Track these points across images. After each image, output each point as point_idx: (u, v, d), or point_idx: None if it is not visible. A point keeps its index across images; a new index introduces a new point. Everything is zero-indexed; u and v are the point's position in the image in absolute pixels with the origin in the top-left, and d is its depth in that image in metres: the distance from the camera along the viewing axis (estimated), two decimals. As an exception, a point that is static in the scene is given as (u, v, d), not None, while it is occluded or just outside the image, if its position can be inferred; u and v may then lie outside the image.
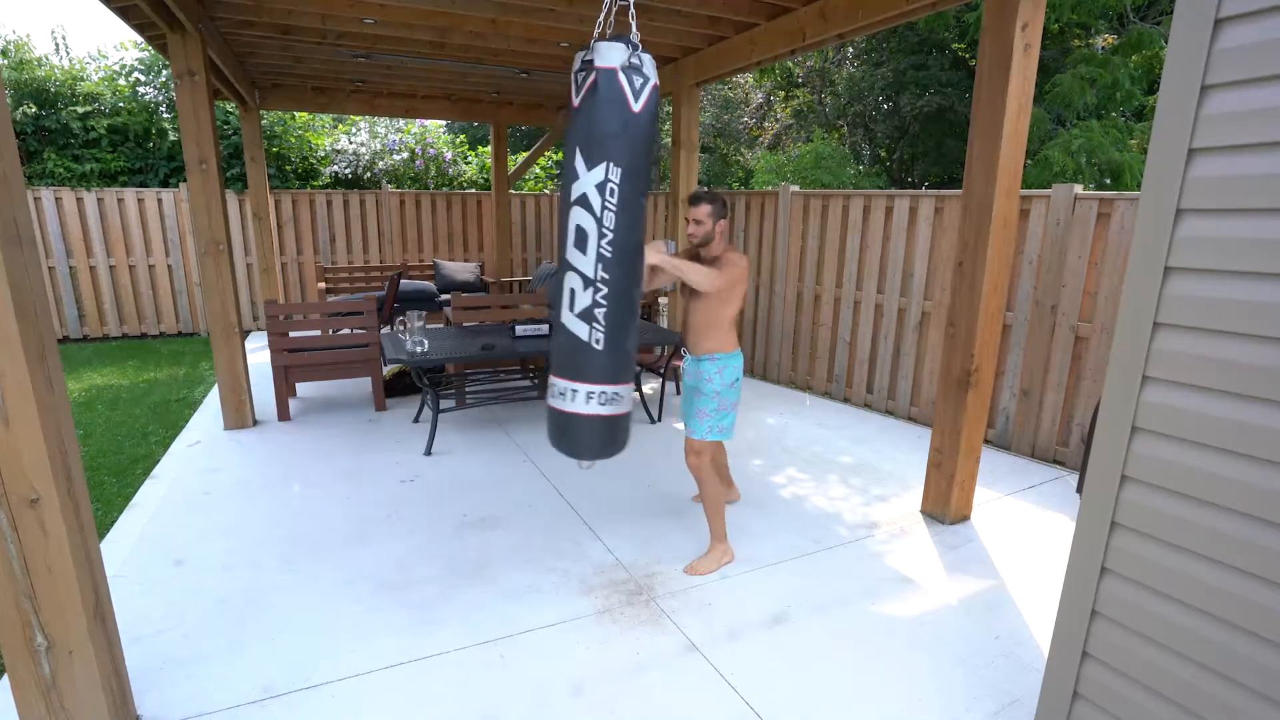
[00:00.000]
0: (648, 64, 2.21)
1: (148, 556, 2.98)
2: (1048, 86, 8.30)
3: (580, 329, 2.31)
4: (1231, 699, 1.50)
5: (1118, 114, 8.88)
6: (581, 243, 2.27)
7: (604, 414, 2.37)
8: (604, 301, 2.29)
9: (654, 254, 2.66)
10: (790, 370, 6.01)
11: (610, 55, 2.16)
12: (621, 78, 2.16)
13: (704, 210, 2.74)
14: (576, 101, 2.22)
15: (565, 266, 2.32)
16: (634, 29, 2.29)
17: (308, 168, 9.31)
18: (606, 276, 2.28)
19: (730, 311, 2.83)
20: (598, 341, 2.32)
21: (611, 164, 2.22)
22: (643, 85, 2.18)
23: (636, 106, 2.18)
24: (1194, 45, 1.46)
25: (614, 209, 2.24)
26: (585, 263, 2.29)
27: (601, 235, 2.25)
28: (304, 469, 3.94)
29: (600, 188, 2.23)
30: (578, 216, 2.26)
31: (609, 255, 2.26)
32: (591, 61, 2.16)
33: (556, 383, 2.37)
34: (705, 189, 2.93)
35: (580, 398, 2.35)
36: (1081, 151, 7.67)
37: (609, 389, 2.35)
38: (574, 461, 2.47)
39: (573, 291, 2.30)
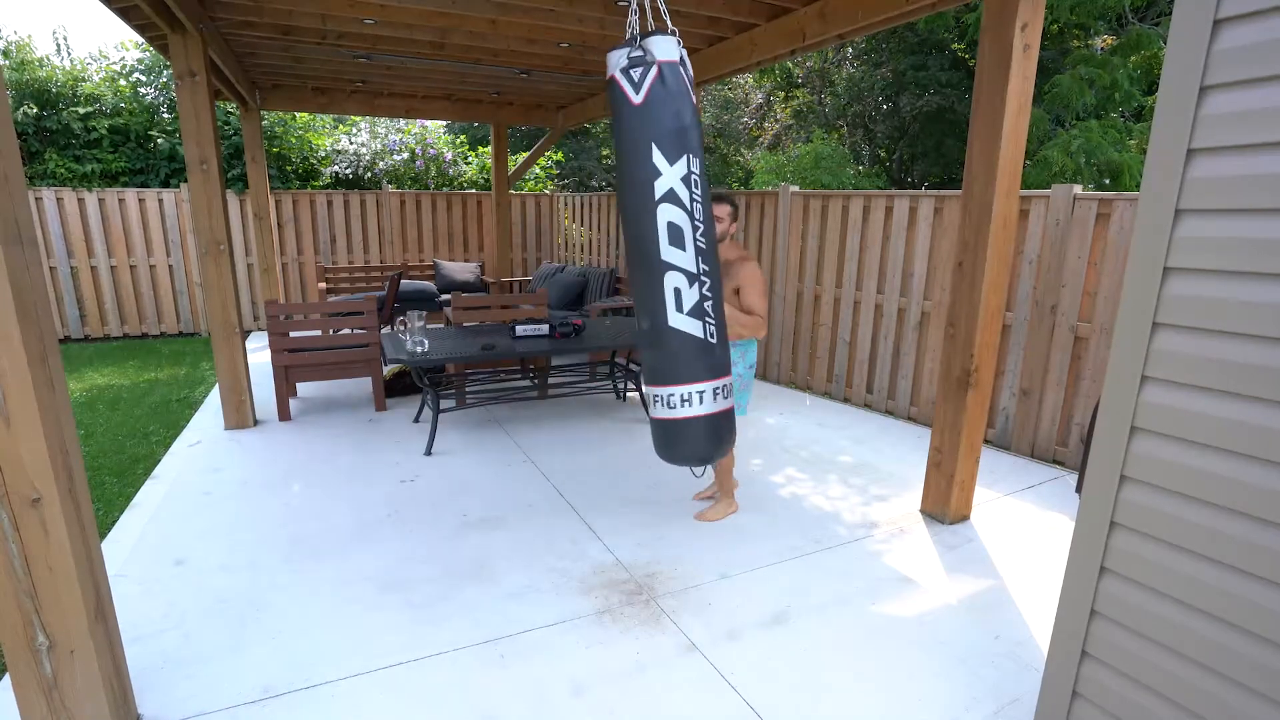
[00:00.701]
0: (685, 55, 2.24)
1: (148, 556, 2.98)
2: (1047, 87, 8.31)
3: (694, 327, 2.27)
4: (1231, 699, 1.50)
5: (1117, 114, 8.88)
6: (678, 239, 2.23)
7: (724, 409, 2.37)
8: (710, 294, 2.27)
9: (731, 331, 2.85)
10: (790, 370, 6.02)
11: (667, 49, 2.14)
12: (682, 70, 2.16)
13: (725, 210, 3.03)
14: (640, 98, 2.16)
15: (663, 267, 2.25)
16: (669, 24, 2.29)
17: (308, 168, 9.31)
18: (707, 268, 2.26)
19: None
20: (713, 336, 2.30)
21: (691, 155, 2.20)
22: (691, 77, 2.22)
23: (694, 97, 2.22)
24: (1193, 46, 1.47)
25: (701, 200, 2.23)
26: (685, 259, 2.25)
27: (695, 228, 2.24)
28: (304, 469, 3.95)
29: (686, 180, 2.21)
30: (668, 213, 2.21)
31: (704, 247, 2.25)
32: (644, 57, 2.12)
33: (669, 391, 2.30)
34: (724, 190, 3.09)
35: (707, 398, 2.32)
36: (1081, 152, 7.68)
37: (726, 381, 2.35)
38: (683, 468, 2.52)
39: (678, 291, 2.25)
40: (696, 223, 2.22)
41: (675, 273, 2.25)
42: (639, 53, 2.14)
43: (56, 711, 1.81)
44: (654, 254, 2.25)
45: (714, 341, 2.30)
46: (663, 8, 2.34)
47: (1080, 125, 8.17)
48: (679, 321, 2.26)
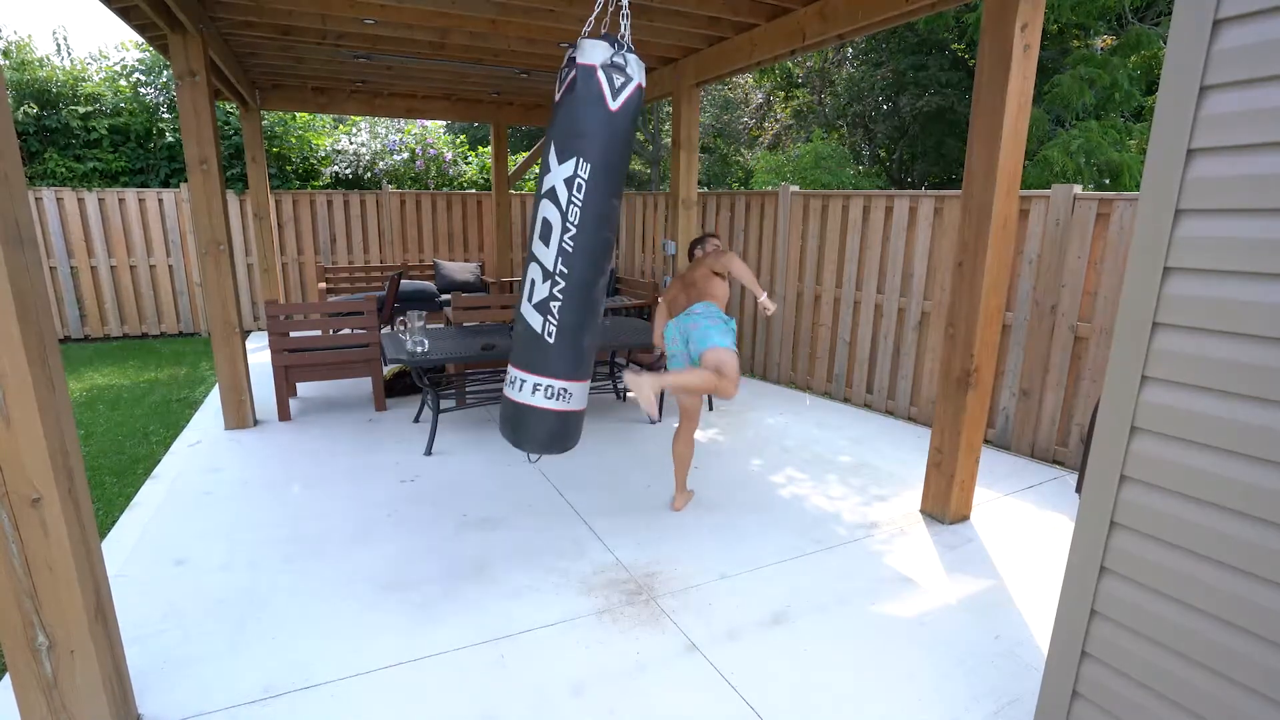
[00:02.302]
0: (633, 64, 2.20)
1: (148, 556, 2.98)
2: (1047, 87, 8.31)
3: (535, 320, 2.33)
4: (1231, 699, 1.50)
5: (1116, 114, 8.88)
6: (546, 235, 2.29)
7: (551, 409, 2.37)
8: (560, 295, 2.29)
9: (746, 274, 3.19)
10: (790, 370, 6.02)
11: (593, 53, 2.17)
12: (600, 75, 2.16)
13: (714, 243, 3.58)
14: (558, 96, 2.23)
15: (529, 257, 2.34)
16: (624, 28, 2.30)
17: (308, 168, 9.31)
18: (566, 270, 2.28)
19: (724, 289, 3.39)
20: (550, 335, 2.33)
21: (582, 159, 2.22)
22: (623, 85, 2.18)
23: (614, 105, 2.17)
24: (1193, 46, 1.47)
25: (579, 204, 2.24)
26: (547, 255, 2.30)
27: (565, 230, 2.26)
28: (304, 469, 3.95)
29: (569, 182, 2.24)
30: (545, 209, 2.28)
31: (570, 250, 2.27)
32: (574, 58, 2.17)
33: (510, 371, 2.41)
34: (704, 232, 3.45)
35: (528, 389, 2.37)
36: (1080, 152, 7.68)
37: (557, 384, 2.35)
38: (521, 452, 2.54)
39: (533, 282, 2.32)
40: (568, 225, 2.25)
41: (535, 265, 2.33)
42: (573, 54, 2.18)
43: (56, 711, 1.81)
44: (528, 243, 2.39)
45: (551, 341, 2.32)
46: (624, 11, 2.34)
47: (1080, 125, 8.17)
48: (525, 310, 2.36)
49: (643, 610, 2.64)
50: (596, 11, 2.38)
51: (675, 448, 3.43)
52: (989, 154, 2.96)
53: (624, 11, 2.35)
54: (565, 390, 2.36)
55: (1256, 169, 1.40)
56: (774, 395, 5.72)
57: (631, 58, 2.20)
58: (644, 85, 2.26)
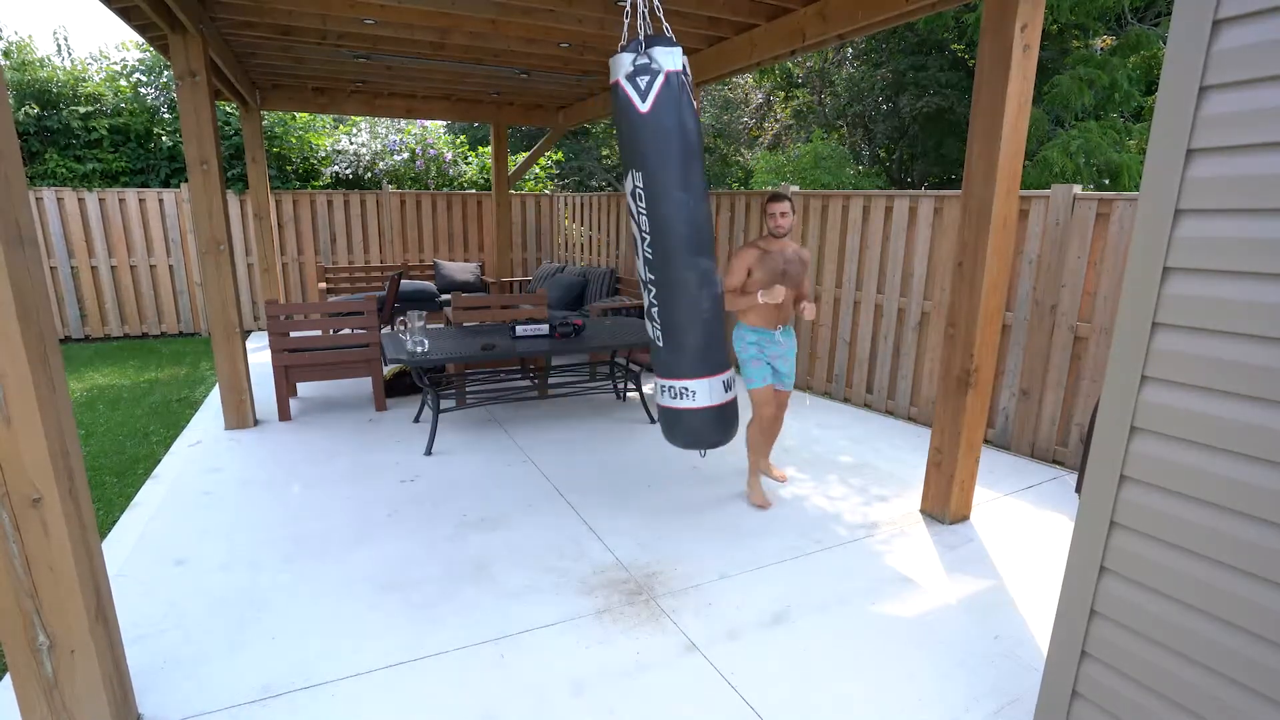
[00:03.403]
0: (659, 55, 2.18)
1: (149, 556, 2.98)
2: (1046, 87, 8.31)
3: (649, 329, 2.50)
4: (1231, 699, 1.50)
5: (1116, 115, 8.88)
6: (636, 249, 2.41)
7: (670, 406, 2.52)
8: (656, 301, 2.40)
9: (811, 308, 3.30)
10: (790, 370, 6.01)
11: (616, 68, 2.22)
12: (625, 86, 2.20)
13: (788, 205, 3.27)
14: (646, 106, 2.26)
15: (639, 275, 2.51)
16: (640, 24, 2.30)
17: (308, 168, 9.31)
18: (653, 278, 2.37)
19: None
20: (658, 339, 2.46)
21: (634, 171, 2.28)
22: (650, 83, 2.18)
23: (645, 107, 2.20)
24: (1193, 46, 1.47)
25: (645, 213, 2.30)
26: (641, 268, 2.44)
27: (642, 239, 2.36)
28: (304, 469, 3.95)
29: (633, 195, 2.32)
30: (632, 227, 2.40)
31: (651, 258, 2.36)
32: (650, 64, 2.20)
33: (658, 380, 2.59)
34: (783, 189, 3.49)
35: (658, 391, 2.57)
36: (1080, 152, 7.68)
37: (670, 383, 2.49)
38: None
39: (645, 296, 2.47)
40: (643, 234, 2.33)
41: (641, 280, 2.48)
42: (644, 60, 2.18)
43: (57, 711, 1.81)
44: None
45: (660, 345, 2.44)
46: (640, 9, 2.35)
47: (1080, 126, 8.18)
48: (646, 322, 2.51)
49: (643, 610, 2.64)
50: (626, 25, 2.36)
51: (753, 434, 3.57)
52: (989, 154, 2.96)
53: (639, 7, 2.34)
54: (686, 389, 2.46)
55: (1256, 169, 1.40)
56: (774, 395, 5.71)
57: (656, 51, 2.18)
58: (679, 69, 2.22)
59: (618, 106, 2.23)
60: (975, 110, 3.00)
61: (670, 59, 2.19)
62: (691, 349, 2.40)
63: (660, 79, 2.18)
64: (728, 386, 2.52)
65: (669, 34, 2.28)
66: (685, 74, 2.24)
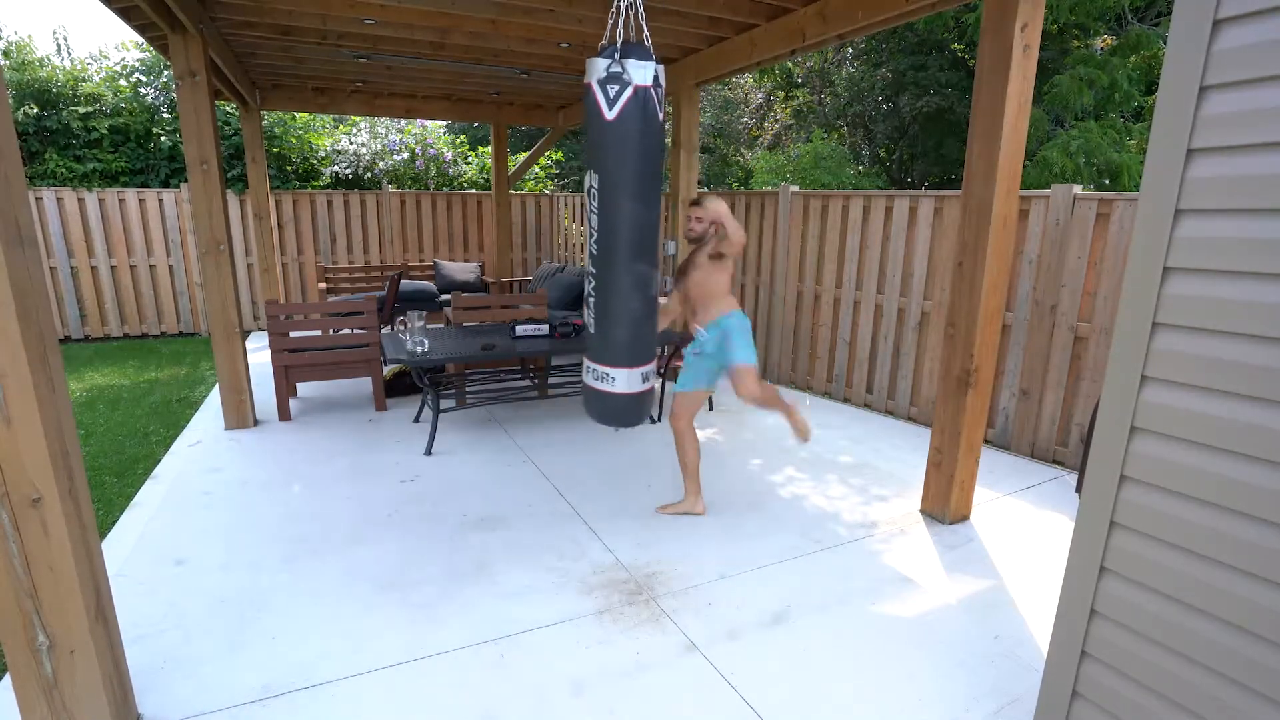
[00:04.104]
0: (632, 68, 2.27)
1: (149, 556, 2.98)
2: (1046, 87, 8.31)
3: (585, 313, 2.66)
4: (1231, 699, 1.50)
5: (1116, 115, 8.88)
6: (589, 241, 2.57)
7: (595, 388, 2.69)
8: (594, 293, 2.58)
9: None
10: (790, 370, 6.02)
11: (591, 71, 2.32)
12: (596, 91, 2.31)
13: (703, 210, 3.16)
14: (612, 114, 2.38)
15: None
16: (619, 30, 2.38)
17: (308, 168, 9.31)
18: (594, 271, 2.55)
19: (726, 278, 3.21)
20: (590, 325, 2.64)
21: (592, 172, 2.45)
22: (619, 93, 2.29)
23: (611, 115, 2.31)
24: (1193, 46, 1.47)
25: (595, 212, 2.47)
26: (587, 259, 2.61)
27: (590, 235, 2.52)
28: (304, 469, 3.95)
29: (589, 193, 2.49)
30: (586, 222, 2.58)
31: (594, 253, 2.53)
32: (622, 75, 2.29)
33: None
34: (702, 193, 3.33)
35: (584, 369, 2.74)
36: (1080, 152, 7.69)
37: (595, 366, 2.66)
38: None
39: (586, 285, 2.64)
40: (592, 230, 2.51)
41: (585, 272, 2.67)
42: (618, 69, 2.26)
43: (57, 711, 1.81)
44: None
45: (592, 331, 2.64)
46: (620, 14, 2.41)
47: (1080, 126, 8.18)
48: (584, 307, 2.70)
49: (643, 610, 2.64)
50: (609, 27, 2.43)
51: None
52: (989, 154, 2.96)
53: (620, 12, 2.39)
54: (608, 375, 2.63)
55: (1256, 169, 1.40)
56: (774, 395, 5.71)
57: (630, 62, 2.25)
58: (650, 84, 2.29)
59: (586, 108, 2.36)
60: (975, 110, 3.00)
61: (642, 73, 2.27)
62: (618, 341, 2.59)
63: (629, 91, 2.28)
64: (644, 379, 2.71)
65: (648, 43, 2.33)
66: (657, 86, 2.32)
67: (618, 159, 2.37)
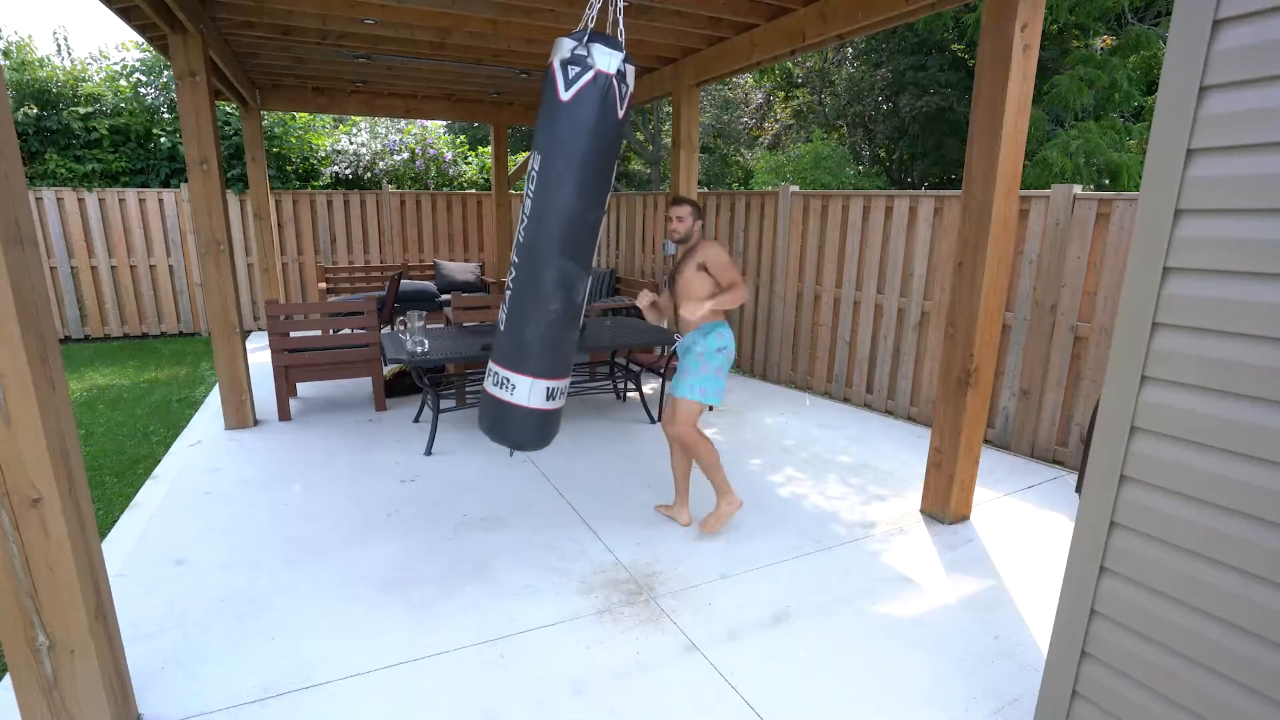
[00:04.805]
0: (598, 53, 2.14)
1: (149, 556, 2.98)
2: (1046, 88, 8.31)
3: (500, 309, 2.38)
4: (1231, 699, 1.50)
5: (1116, 115, 8.88)
6: (517, 229, 2.34)
7: (491, 393, 2.39)
8: (511, 285, 2.31)
9: (700, 307, 2.89)
10: (790, 370, 6.02)
11: (556, 51, 2.18)
12: (556, 70, 2.16)
13: (685, 210, 3.08)
14: (567, 95, 2.24)
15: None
16: (590, 18, 2.28)
17: (308, 168, 9.31)
18: (517, 260, 2.30)
19: (710, 287, 3.03)
20: (501, 323, 2.37)
21: (535, 153, 2.24)
22: (577, 75, 2.13)
23: (566, 95, 2.14)
24: (1193, 46, 1.47)
25: (530, 196, 2.24)
26: (512, 248, 2.36)
27: (521, 220, 2.28)
28: (304, 469, 3.95)
29: (528, 177, 2.26)
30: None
31: (520, 240, 2.29)
32: (586, 58, 2.17)
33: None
34: (684, 195, 3.18)
35: (487, 373, 2.44)
36: (1080, 152, 7.69)
37: (497, 370, 2.37)
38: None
39: (507, 276, 2.41)
40: (524, 215, 2.29)
41: (510, 262, 2.41)
42: (582, 51, 2.14)
43: (57, 711, 1.81)
44: None
45: (502, 328, 2.36)
46: (598, 7, 2.32)
47: (1079, 126, 8.18)
48: (501, 304, 2.41)
49: (643, 610, 2.64)
50: (590, 11, 2.34)
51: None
52: (989, 154, 2.96)
53: (615, 6, 2.34)
54: (508, 381, 2.34)
55: (1256, 169, 1.40)
56: (773, 395, 5.72)
57: (597, 47, 2.13)
58: (613, 73, 2.16)
59: (544, 87, 2.20)
60: (975, 110, 3.00)
61: (606, 60, 2.14)
62: (526, 343, 2.30)
63: (589, 74, 2.13)
64: (551, 395, 2.36)
65: (621, 38, 2.25)
66: (620, 79, 2.17)
67: (563, 143, 2.16)
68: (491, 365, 2.39)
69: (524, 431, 2.40)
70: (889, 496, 3.70)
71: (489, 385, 2.38)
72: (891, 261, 5.01)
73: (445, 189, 10.18)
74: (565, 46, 2.15)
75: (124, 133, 8.10)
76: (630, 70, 2.22)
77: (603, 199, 2.30)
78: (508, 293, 2.32)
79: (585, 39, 2.14)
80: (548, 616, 2.58)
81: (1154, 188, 1.55)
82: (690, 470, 3.34)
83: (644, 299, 3.18)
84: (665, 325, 3.96)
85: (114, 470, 3.93)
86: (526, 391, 2.32)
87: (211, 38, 4.26)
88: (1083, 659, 1.79)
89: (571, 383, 5.10)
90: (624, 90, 2.20)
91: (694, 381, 3.05)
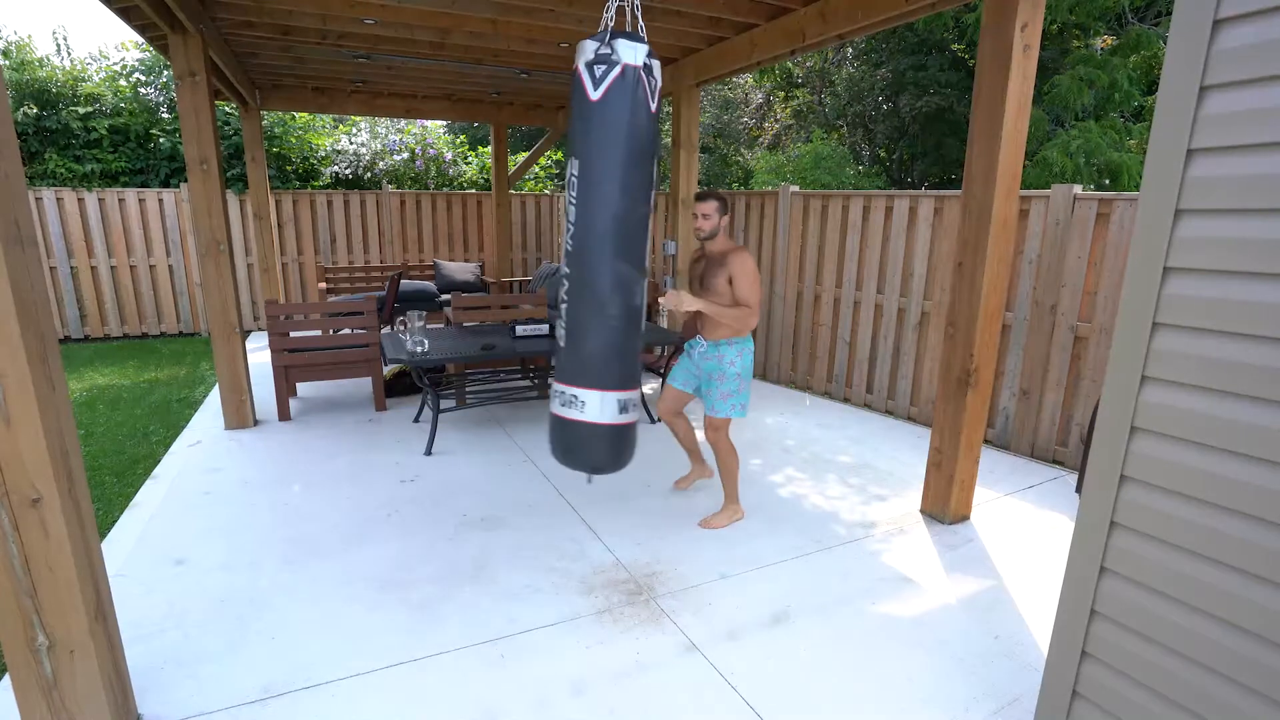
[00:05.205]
0: (621, 48, 2.10)
1: (149, 556, 2.98)
2: (1046, 87, 8.31)
3: (558, 325, 2.29)
4: (1231, 699, 1.50)
5: (1116, 115, 8.88)
6: (565, 238, 2.27)
7: (560, 415, 2.25)
8: (566, 297, 2.24)
9: (698, 303, 2.89)
10: (790, 370, 6.02)
11: (580, 54, 2.15)
12: (582, 73, 2.12)
13: (711, 206, 3.00)
14: (597, 95, 2.19)
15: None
16: (609, 19, 2.25)
17: (308, 168, 9.31)
18: (569, 271, 2.23)
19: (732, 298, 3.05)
20: (561, 339, 2.27)
21: (573, 159, 2.19)
22: (605, 72, 2.09)
23: (595, 95, 2.10)
24: (1193, 46, 1.47)
25: (574, 202, 2.18)
26: (561, 260, 2.33)
27: (568, 229, 2.21)
28: (304, 469, 3.95)
29: (568, 184, 2.20)
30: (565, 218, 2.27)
31: (569, 249, 2.22)
32: (611, 55, 2.13)
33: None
34: (709, 188, 3.11)
35: (553, 395, 2.31)
36: (1080, 152, 7.68)
37: (563, 388, 2.25)
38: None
39: (560, 290, 2.30)
40: (569, 224, 2.21)
41: (561, 275, 2.31)
42: (606, 50, 2.11)
43: (56, 711, 1.81)
44: None
45: (562, 345, 2.25)
46: (618, 6, 2.29)
47: (1079, 126, 8.17)
48: (558, 320, 2.30)
49: (643, 610, 2.64)
50: (606, 14, 2.32)
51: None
52: (989, 154, 2.96)
53: (632, 5, 2.31)
54: (576, 398, 2.21)
55: (1256, 169, 1.40)
56: (774, 395, 5.72)
57: (619, 42, 2.09)
58: (640, 65, 2.13)
59: (572, 92, 2.15)
60: (975, 110, 3.00)
61: (632, 53, 2.10)
62: (590, 355, 2.18)
63: (616, 70, 2.09)
64: (623, 408, 2.22)
65: (642, 32, 2.22)
66: (647, 72, 2.14)
67: (601, 142, 2.11)
68: (556, 386, 2.27)
69: (600, 451, 2.29)
70: (889, 496, 3.70)
71: (556, 408, 2.26)
72: (891, 261, 5.01)
73: (445, 189, 10.18)
74: (588, 48, 2.12)
75: (124, 133, 8.10)
76: (656, 64, 2.17)
77: (648, 194, 2.22)
78: (563, 306, 2.22)
79: (607, 37, 2.12)
80: (548, 616, 2.58)
81: (1154, 188, 1.55)
82: (696, 436, 3.50)
83: (679, 301, 2.90)
84: (680, 328, 3.95)
85: (114, 470, 3.93)
86: (598, 407, 2.20)
87: (211, 38, 4.26)
88: (1083, 659, 1.79)
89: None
90: (653, 83, 2.16)
91: (735, 402, 3.16)
